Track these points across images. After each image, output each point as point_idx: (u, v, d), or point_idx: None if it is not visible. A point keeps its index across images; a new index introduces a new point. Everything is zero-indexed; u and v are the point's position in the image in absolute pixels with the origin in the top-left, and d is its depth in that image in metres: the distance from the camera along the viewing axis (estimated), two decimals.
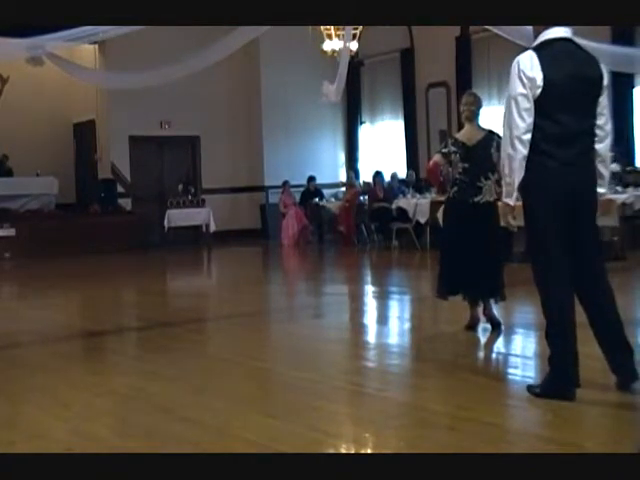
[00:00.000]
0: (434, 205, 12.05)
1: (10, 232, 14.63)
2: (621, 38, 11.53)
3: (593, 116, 4.19)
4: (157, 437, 3.90)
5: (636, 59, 9.06)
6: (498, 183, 6.20)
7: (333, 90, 9.71)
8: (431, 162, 6.38)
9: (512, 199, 4.17)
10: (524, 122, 4.06)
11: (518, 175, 4.11)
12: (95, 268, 13.12)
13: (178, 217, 15.91)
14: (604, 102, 4.22)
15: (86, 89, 15.74)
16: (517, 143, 4.08)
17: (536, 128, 4.08)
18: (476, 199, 6.03)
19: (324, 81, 9.98)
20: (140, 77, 9.66)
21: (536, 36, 4.23)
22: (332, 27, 12.96)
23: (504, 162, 4.17)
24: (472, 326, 6.16)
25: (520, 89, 4.07)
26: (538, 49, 4.14)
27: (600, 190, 4.28)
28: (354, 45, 12.82)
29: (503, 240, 6.82)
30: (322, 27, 12.92)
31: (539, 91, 4.06)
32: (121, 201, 16.44)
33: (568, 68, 4.10)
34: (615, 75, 9.61)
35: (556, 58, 4.11)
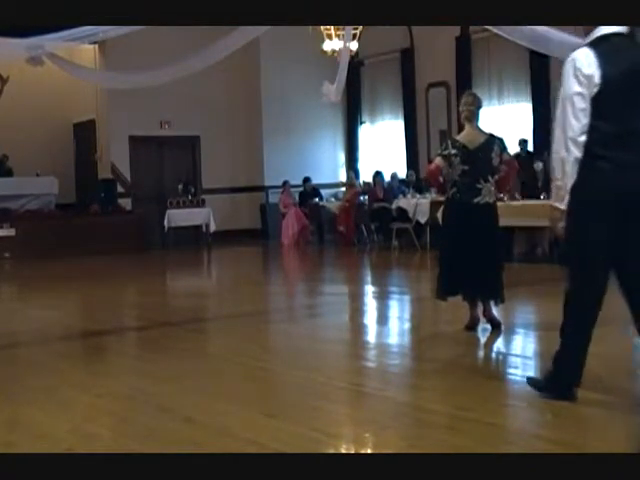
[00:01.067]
0: (434, 205, 12.05)
1: (10, 232, 14.61)
2: None
3: None
4: (157, 437, 3.90)
5: None
6: (497, 185, 6.22)
7: (333, 90, 9.70)
8: (432, 165, 6.35)
9: (563, 203, 3.97)
10: (579, 123, 3.87)
11: (570, 178, 3.92)
12: (95, 268, 13.10)
13: (178, 217, 15.91)
14: None
15: (86, 89, 15.73)
16: (571, 145, 3.89)
17: (590, 129, 3.88)
18: (475, 200, 6.03)
19: (324, 81, 9.97)
20: (140, 77, 9.65)
21: (587, 33, 4.04)
22: (332, 27, 12.96)
23: (556, 165, 3.98)
24: (472, 326, 6.16)
25: (576, 88, 3.87)
26: (594, 45, 3.95)
27: None
28: (354, 45, 12.82)
29: (502, 241, 6.83)
30: (322, 27, 12.92)
31: (596, 89, 3.86)
32: (121, 201, 16.42)
33: (625, 64, 3.92)
34: None
35: (612, 54, 3.92)
